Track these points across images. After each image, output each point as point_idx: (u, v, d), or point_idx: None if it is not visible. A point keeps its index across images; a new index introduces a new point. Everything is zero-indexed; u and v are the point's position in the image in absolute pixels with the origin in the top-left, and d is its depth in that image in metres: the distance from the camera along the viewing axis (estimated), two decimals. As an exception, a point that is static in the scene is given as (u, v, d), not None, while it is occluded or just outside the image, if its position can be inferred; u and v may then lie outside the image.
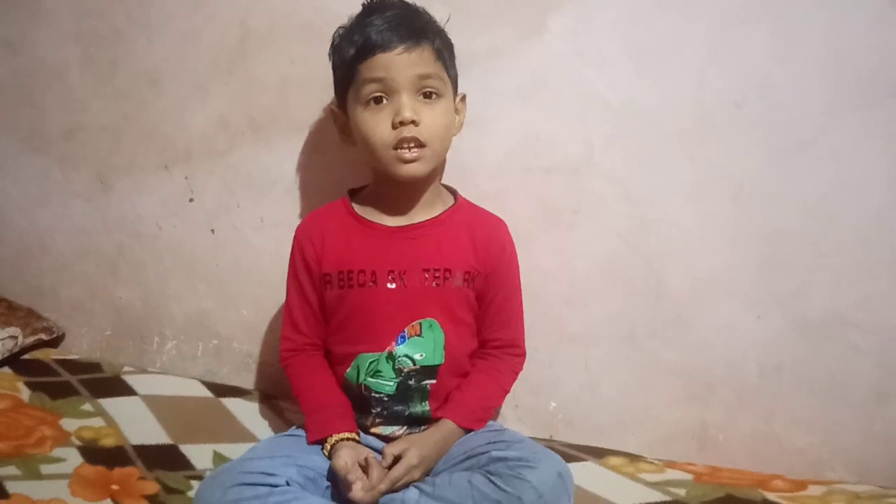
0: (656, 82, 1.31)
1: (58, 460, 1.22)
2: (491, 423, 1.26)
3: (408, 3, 1.23)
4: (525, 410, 1.45)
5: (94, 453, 1.25)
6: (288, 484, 1.06)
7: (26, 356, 1.58)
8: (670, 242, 1.35)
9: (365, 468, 1.11)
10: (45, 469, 1.19)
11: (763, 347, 1.34)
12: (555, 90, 1.35)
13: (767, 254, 1.32)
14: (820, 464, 1.34)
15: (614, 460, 1.32)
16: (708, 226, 1.34)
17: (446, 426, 1.21)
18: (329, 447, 1.15)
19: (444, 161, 1.29)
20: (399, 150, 1.16)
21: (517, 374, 1.30)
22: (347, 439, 1.16)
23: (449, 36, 1.24)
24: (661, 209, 1.35)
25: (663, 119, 1.32)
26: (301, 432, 1.21)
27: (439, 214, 1.25)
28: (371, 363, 1.21)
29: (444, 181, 1.32)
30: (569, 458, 1.25)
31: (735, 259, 1.34)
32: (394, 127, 1.15)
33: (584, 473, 1.24)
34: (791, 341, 1.33)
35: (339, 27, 1.23)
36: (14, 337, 1.55)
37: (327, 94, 1.29)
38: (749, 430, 1.37)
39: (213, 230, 1.56)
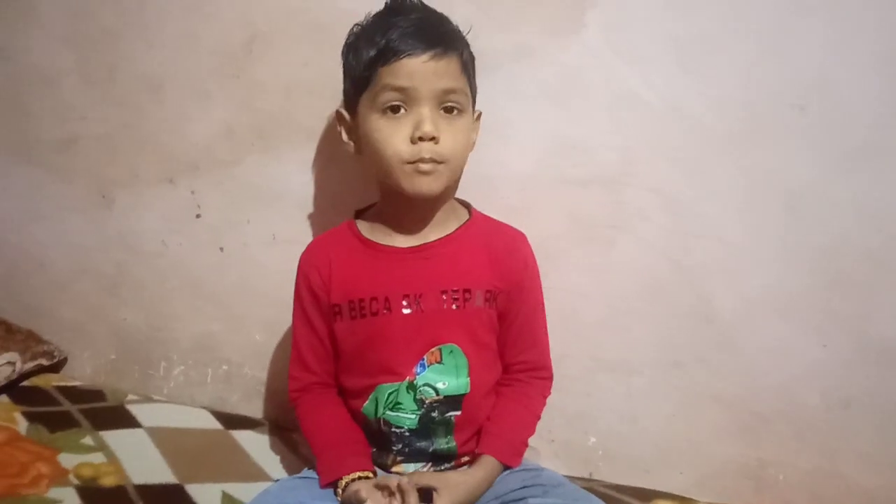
0: (701, 82, 1.21)
1: (54, 502, 1.16)
2: (525, 460, 1.16)
3: (432, 9, 1.14)
4: (561, 445, 1.35)
5: (92, 494, 1.19)
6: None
7: (26, 383, 1.51)
8: (718, 258, 1.25)
9: (389, 489, 1.02)
10: (40, 512, 1.13)
11: (825, 375, 1.24)
12: (588, 92, 1.25)
13: (827, 270, 1.22)
14: (890, 506, 1.24)
15: (663, 503, 1.23)
16: (759, 240, 1.24)
17: (489, 464, 1.11)
18: (341, 490, 1.07)
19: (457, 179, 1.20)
20: (414, 164, 1.07)
21: (546, 398, 1.21)
22: (360, 478, 1.07)
23: (472, 35, 1.15)
24: (707, 222, 1.25)
25: (709, 122, 1.22)
26: (314, 474, 1.13)
27: (453, 231, 1.16)
28: (390, 394, 1.12)
29: (466, 194, 1.22)
30: (612, 502, 1.17)
31: (790, 276, 1.23)
32: (412, 142, 1.06)
33: (630, 519, 1.16)
34: (853, 369, 1.23)
35: (356, 24, 1.14)
36: (12, 363, 1.47)
37: (339, 100, 1.19)
38: (810, 469, 1.26)
39: (221, 248, 1.47)
